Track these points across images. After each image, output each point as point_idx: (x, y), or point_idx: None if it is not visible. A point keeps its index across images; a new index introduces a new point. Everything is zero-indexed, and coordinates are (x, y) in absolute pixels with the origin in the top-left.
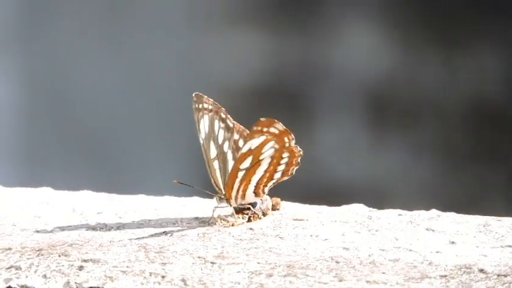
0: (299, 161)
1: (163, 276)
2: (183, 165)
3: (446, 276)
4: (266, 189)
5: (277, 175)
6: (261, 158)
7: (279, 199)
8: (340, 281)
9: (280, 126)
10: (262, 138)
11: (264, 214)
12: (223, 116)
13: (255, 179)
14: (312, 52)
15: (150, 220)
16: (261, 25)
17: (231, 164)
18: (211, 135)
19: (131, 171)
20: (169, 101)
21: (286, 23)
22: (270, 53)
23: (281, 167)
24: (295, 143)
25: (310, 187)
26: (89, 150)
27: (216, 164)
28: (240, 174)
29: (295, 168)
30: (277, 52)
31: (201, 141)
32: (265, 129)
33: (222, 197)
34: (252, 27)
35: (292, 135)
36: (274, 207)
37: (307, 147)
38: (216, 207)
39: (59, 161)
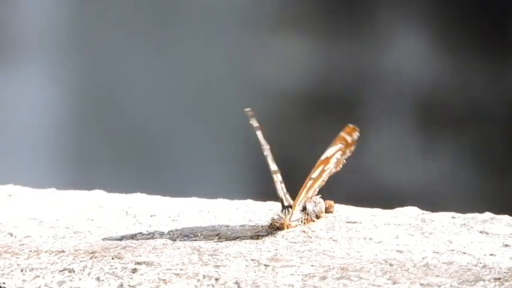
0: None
1: (216, 279)
2: (236, 168)
3: (500, 279)
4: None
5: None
6: (326, 168)
7: (332, 202)
8: (394, 283)
9: (355, 136)
10: (339, 146)
11: (318, 217)
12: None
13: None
14: (362, 58)
15: (203, 223)
16: (311, 31)
17: None
18: None
19: (184, 174)
20: (221, 104)
21: (336, 29)
22: (319, 59)
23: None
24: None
25: (362, 191)
26: (141, 153)
27: (277, 177)
28: (309, 183)
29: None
30: (327, 58)
31: (266, 153)
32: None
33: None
34: (301, 34)
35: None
36: (327, 210)
37: (358, 152)
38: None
39: (112, 164)
